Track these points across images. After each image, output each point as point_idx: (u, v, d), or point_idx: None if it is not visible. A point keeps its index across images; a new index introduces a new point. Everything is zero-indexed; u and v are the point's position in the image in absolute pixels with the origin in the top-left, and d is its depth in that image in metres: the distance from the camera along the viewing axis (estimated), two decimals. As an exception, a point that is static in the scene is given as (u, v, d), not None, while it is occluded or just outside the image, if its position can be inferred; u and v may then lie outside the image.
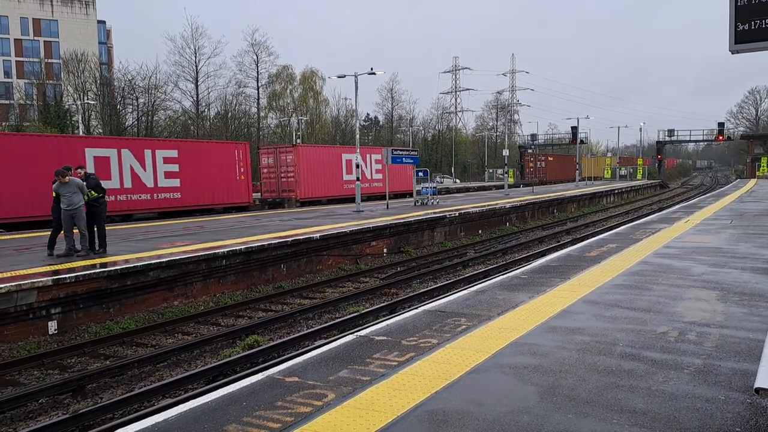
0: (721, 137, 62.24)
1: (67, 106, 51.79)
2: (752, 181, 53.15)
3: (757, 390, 3.55)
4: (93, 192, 11.61)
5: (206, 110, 64.50)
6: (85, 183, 11.41)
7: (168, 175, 22.86)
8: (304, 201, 27.90)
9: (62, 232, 11.39)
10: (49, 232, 11.77)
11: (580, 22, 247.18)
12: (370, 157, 32.09)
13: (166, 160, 22.86)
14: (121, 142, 23.19)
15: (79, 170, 11.97)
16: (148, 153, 22.22)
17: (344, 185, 30.00)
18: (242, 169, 25.27)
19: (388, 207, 24.19)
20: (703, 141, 77.72)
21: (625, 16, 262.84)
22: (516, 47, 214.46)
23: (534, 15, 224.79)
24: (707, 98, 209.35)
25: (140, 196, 21.95)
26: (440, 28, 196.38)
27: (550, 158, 66.36)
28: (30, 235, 16.23)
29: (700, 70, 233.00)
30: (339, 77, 27.01)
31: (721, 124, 61.92)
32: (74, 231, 11.39)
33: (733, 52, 3.90)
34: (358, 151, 24.42)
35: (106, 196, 12.28)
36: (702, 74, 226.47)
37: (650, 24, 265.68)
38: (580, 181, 52.22)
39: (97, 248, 11.86)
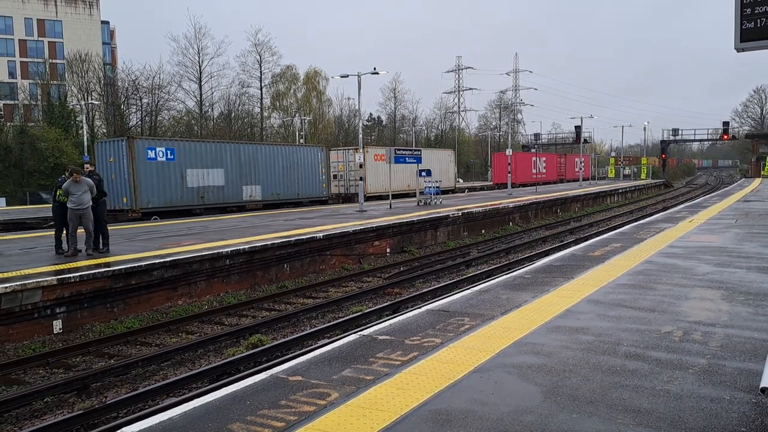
0: (725, 136, 62.00)
1: (71, 107, 51.98)
2: (757, 180, 52.92)
3: (763, 390, 3.54)
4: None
5: (210, 110, 64.63)
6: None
7: (542, 169, 52.66)
8: (497, 183, 47.98)
9: (65, 231, 11.42)
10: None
11: (605, 21, 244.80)
12: (540, 159, 52.59)
13: (539, 163, 52.90)
14: (534, 155, 54.97)
15: (87, 165, 12.03)
16: (534, 158, 52.79)
17: (532, 175, 50.74)
18: (544, 164, 54.03)
19: (391, 207, 24.18)
20: (707, 140, 77.50)
21: (652, 14, 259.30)
22: (532, 48, 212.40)
23: (556, 15, 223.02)
24: (721, 97, 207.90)
25: (533, 176, 50.49)
26: (449, 26, 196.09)
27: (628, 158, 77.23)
28: (35, 234, 16.30)
29: (718, 68, 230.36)
30: (342, 77, 27.09)
31: (725, 123, 61.70)
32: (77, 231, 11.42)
33: (738, 51, 3.88)
34: (362, 149, 24.41)
35: (106, 197, 12.26)
36: (719, 72, 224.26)
37: (679, 20, 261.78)
38: (583, 180, 52.16)
39: (100, 248, 11.90)
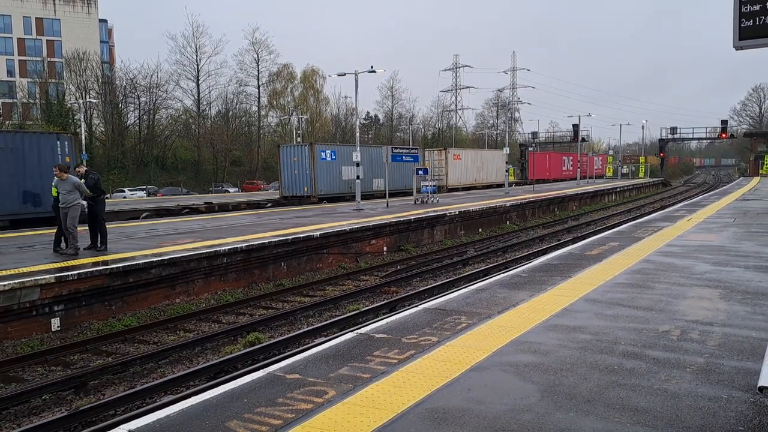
0: (724, 135, 62.07)
1: (69, 105, 51.86)
2: (755, 179, 53.03)
3: (761, 389, 3.55)
4: (89, 191, 11.56)
5: (207, 109, 64.59)
6: (83, 182, 11.38)
7: (569, 166, 60.15)
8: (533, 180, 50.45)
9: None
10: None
11: (607, 20, 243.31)
12: (568, 158, 61.21)
13: (567, 162, 60.72)
14: (564, 154, 63.46)
15: (77, 169, 11.97)
16: (563, 157, 61.39)
17: (562, 172, 60.17)
18: (571, 162, 61.30)
19: (388, 205, 24.19)
20: (706, 139, 77.64)
21: (655, 13, 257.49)
22: (533, 46, 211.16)
23: (558, 14, 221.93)
24: (721, 96, 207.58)
25: (563, 173, 59.10)
26: (448, 26, 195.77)
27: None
28: (33, 233, 16.26)
29: (718, 66, 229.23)
30: (339, 75, 27.11)
31: (724, 122, 61.74)
32: (78, 228, 11.39)
33: (737, 49, 3.88)
34: (358, 149, 24.42)
35: (105, 195, 12.18)
36: (719, 71, 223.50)
37: (680, 19, 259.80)
38: (581, 179, 52.28)
39: (98, 246, 11.87)
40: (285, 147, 30.66)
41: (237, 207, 28.64)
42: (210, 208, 27.09)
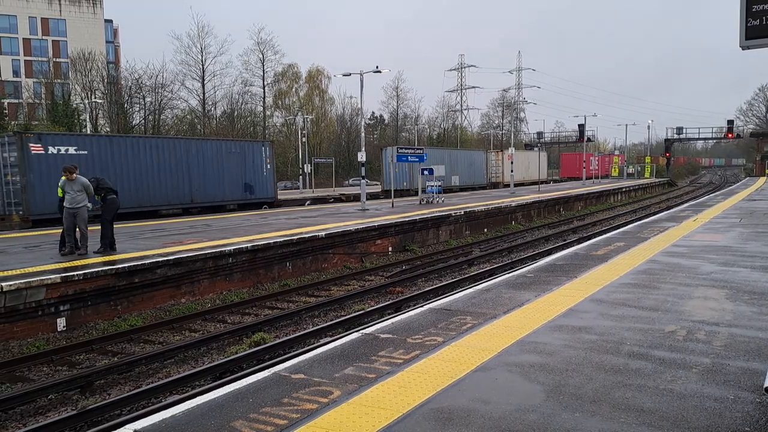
0: (730, 135, 61.74)
1: (74, 105, 52.03)
2: (761, 180, 52.73)
3: (767, 389, 3.53)
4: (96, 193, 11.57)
5: (213, 109, 64.68)
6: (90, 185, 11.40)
7: (595, 165, 60.66)
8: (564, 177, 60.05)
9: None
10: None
11: (614, 20, 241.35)
12: (594, 158, 63.02)
13: (593, 161, 61.42)
14: (591, 155, 61.73)
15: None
16: (591, 157, 60.54)
17: (590, 171, 59.52)
18: (597, 162, 63.13)
19: (393, 206, 24.19)
20: (712, 139, 77.26)
21: (661, 14, 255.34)
22: (539, 46, 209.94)
23: (564, 14, 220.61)
24: (728, 95, 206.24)
25: (591, 171, 56.51)
26: (454, 26, 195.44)
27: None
28: (39, 233, 16.35)
29: (725, 66, 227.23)
30: (344, 75, 27.06)
31: (730, 122, 61.43)
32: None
33: (743, 48, 3.86)
34: (363, 149, 24.43)
35: (112, 195, 12.08)
36: (726, 71, 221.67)
37: (686, 19, 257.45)
38: (587, 179, 52.19)
39: (98, 248, 11.88)
40: (387, 148, 35.40)
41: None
42: (348, 198, 35.30)
